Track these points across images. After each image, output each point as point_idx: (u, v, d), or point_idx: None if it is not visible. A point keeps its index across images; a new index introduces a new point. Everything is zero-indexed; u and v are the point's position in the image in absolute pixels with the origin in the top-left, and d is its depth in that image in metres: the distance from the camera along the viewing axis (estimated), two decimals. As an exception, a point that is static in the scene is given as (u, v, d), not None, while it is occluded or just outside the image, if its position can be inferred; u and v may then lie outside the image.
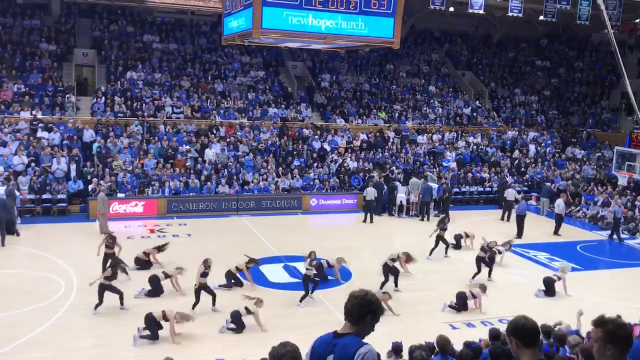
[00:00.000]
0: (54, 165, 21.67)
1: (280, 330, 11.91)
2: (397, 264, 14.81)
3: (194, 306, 12.42)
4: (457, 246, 18.45)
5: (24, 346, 10.70)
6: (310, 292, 13.49)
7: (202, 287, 12.58)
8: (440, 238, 17.41)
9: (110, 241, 14.37)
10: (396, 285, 14.54)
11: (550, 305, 13.88)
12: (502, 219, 23.02)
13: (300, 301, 13.46)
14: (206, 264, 12.69)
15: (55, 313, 12.16)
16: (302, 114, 28.95)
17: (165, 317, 11.13)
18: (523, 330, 3.33)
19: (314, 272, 13.63)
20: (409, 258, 15.50)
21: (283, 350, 3.42)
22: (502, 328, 9.29)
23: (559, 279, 14.58)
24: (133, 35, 30.24)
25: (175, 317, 11.11)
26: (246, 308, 11.71)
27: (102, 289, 12.14)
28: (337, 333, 3.60)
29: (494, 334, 7.52)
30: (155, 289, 13.42)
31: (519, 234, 20.27)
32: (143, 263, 15.16)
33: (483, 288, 13.38)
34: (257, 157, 24.89)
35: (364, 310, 3.58)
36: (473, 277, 15.25)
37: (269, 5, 12.21)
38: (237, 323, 11.68)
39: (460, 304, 13.26)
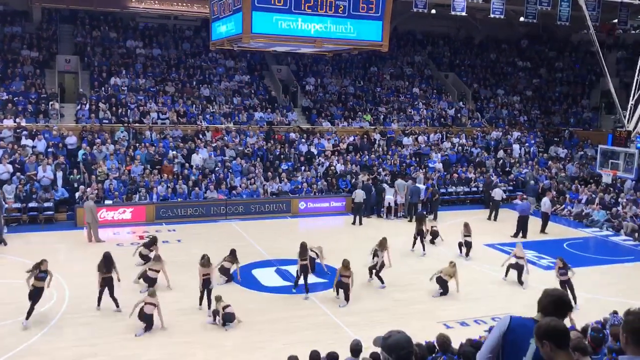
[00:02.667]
0: (40, 173, 21.45)
1: (275, 333, 11.95)
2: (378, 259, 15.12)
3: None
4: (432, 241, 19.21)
5: (18, 357, 10.59)
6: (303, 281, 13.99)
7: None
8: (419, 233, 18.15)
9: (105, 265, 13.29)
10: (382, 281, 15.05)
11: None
12: (489, 218, 23.28)
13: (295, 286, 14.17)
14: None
15: (48, 323, 12.04)
16: (288, 118, 28.99)
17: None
18: (556, 332, 3.32)
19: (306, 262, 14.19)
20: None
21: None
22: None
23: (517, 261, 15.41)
24: (116, 41, 30.06)
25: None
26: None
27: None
28: (536, 320, 3.77)
29: (494, 332, 7.64)
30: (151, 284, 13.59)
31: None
32: (152, 280, 14.23)
33: (452, 266, 14.51)
34: (244, 162, 24.87)
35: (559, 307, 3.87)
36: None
37: (258, 10, 12.29)
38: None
39: (444, 288, 14.39)
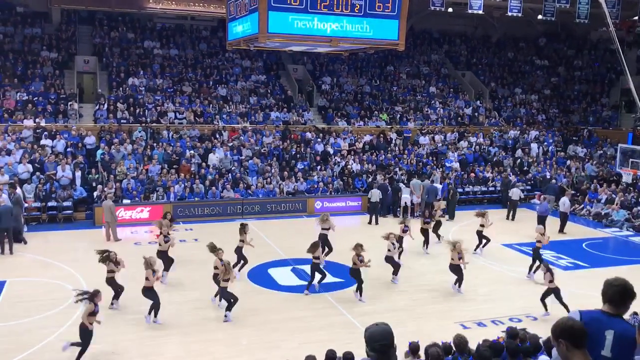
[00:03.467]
0: (59, 172, 21.70)
1: (291, 332, 11.96)
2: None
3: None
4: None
5: (38, 354, 10.73)
6: (317, 281, 14.11)
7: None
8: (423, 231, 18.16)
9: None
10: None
11: (557, 304, 13.89)
12: (508, 218, 23.09)
13: (307, 288, 14.21)
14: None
15: (67, 320, 12.17)
16: (304, 117, 29.01)
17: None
18: (572, 332, 3.32)
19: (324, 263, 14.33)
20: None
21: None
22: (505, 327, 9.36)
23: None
24: (134, 42, 30.33)
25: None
26: None
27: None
28: (605, 312, 3.84)
29: (513, 333, 7.58)
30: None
31: None
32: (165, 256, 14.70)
33: (452, 248, 14.35)
34: (260, 161, 24.94)
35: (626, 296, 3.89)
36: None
37: (274, 10, 12.29)
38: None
39: (459, 275, 14.44)
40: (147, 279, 12.01)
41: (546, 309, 12.96)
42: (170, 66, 29.58)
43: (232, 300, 12.32)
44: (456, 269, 14.46)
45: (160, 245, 14.81)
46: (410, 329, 11.74)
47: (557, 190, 25.14)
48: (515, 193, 23.26)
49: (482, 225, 17.86)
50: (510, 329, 7.84)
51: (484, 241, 18.03)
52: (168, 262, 14.73)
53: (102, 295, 10.79)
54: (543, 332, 8.55)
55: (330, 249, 16.53)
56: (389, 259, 15.02)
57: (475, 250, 18.01)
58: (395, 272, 15.19)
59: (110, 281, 12.94)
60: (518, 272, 16.46)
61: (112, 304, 12.91)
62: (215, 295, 13.20)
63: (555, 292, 12.89)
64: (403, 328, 11.91)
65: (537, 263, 15.63)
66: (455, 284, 14.64)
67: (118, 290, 13.05)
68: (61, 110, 25.32)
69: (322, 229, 16.79)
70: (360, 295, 13.92)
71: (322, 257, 14.54)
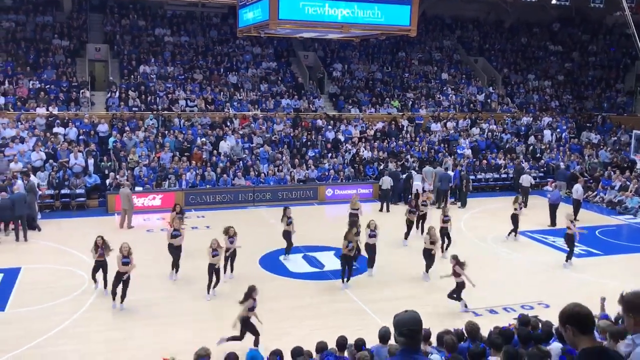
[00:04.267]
0: (72, 160, 21.83)
1: (302, 319, 12.01)
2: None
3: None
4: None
5: (53, 339, 10.86)
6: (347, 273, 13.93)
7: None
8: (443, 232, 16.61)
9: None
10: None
11: (570, 291, 13.83)
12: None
13: (345, 281, 13.90)
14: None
15: (80, 307, 12.30)
16: (315, 105, 28.93)
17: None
18: (579, 318, 3.32)
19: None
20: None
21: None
22: (517, 314, 9.33)
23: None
24: (145, 29, 30.31)
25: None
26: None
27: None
28: None
29: (524, 320, 7.55)
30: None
31: (552, 222, 20.13)
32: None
33: (454, 258, 12.67)
34: (271, 149, 24.95)
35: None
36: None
37: (285, -4, 12.19)
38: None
39: (428, 261, 14.27)
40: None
41: None
42: (181, 54, 29.56)
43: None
44: (427, 254, 14.30)
45: (169, 239, 14.57)
46: (422, 317, 11.72)
47: (568, 176, 24.92)
48: (525, 179, 23.09)
49: (515, 209, 17.81)
50: (522, 316, 7.82)
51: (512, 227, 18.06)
52: (177, 257, 14.22)
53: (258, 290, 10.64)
54: (555, 319, 8.51)
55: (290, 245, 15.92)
56: (425, 252, 14.49)
57: (508, 234, 18.06)
58: (427, 268, 14.58)
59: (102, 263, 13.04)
60: (530, 260, 16.38)
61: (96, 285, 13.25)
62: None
63: None
64: (414, 315, 11.90)
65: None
66: (426, 271, 14.46)
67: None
68: (73, 98, 25.43)
69: (352, 209, 17.44)
70: (347, 282, 13.92)
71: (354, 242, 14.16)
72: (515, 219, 17.94)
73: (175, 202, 18.39)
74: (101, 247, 12.91)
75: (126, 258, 12.19)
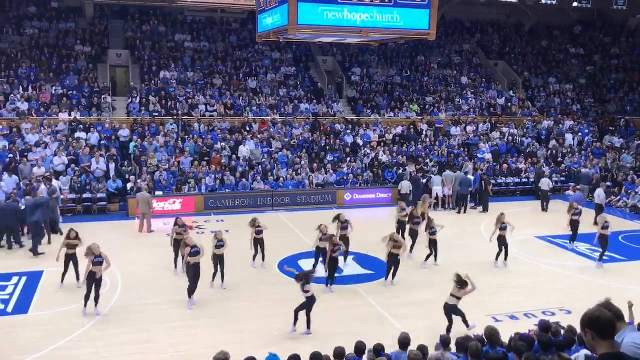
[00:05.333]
0: (93, 165, 22.11)
1: (321, 323, 11.98)
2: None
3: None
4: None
5: (75, 341, 10.98)
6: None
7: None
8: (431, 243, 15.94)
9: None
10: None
11: (592, 297, 13.62)
12: (543, 209, 22.67)
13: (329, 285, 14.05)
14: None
15: (102, 309, 12.42)
16: (334, 109, 28.95)
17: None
18: (599, 322, 3.32)
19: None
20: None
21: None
22: (538, 320, 9.20)
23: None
24: (165, 35, 30.65)
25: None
26: None
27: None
28: None
29: (545, 326, 7.46)
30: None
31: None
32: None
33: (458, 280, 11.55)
34: (290, 153, 25.02)
35: None
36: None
37: (304, 1, 12.28)
38: None
39: (390, 265, 14.00)
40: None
41: None
42: (201, 59, 29.81)
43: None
44: (393, 259, 14.00)
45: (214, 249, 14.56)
46: (441, 322, 11.64)
47: (591, 178, 24.55)
48: (544, 183, 22.84)
49: (574, 215, 17.49)
50: (543, 322, 7.72)
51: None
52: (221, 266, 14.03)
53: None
54: (577, 325, 8.39)
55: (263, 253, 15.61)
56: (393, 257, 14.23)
57: (570, 241, 17.75)
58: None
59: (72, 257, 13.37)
60: (551, 265, 16.19)
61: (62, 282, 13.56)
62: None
63: None
64: (434, 321, 11.85)
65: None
66: (390, 276, 14.26)
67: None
68: (95, 104, 25.77)
69: (400, 216, 17.34)
70: (330, 286, 13.90)
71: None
72: (574, 225, 17.43)
73: (176, 218, 16.63)
74: (74, 239, 13.49)
75: (98, 258, 12.04)
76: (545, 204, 22.76)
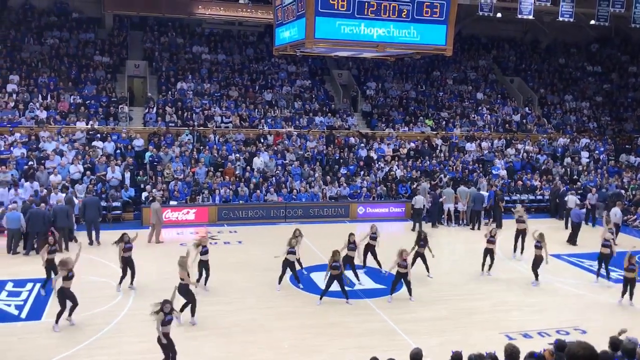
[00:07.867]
0: (109, 173, 22.29)
1: (332, 337, 11.93)
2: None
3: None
4: None
5: (88, 349, 11.02)
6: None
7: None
8: (419, 255, 15.85)
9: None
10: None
11: (610, 317, 13.46)
12: (566, 227, 22.29)
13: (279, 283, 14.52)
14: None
15: (115, 317, 12.48)
16: (348, 122, 29.01)
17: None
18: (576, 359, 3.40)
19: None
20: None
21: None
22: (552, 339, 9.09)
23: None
24: (183, 47, 30.96)
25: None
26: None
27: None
28: None
29: (561, 346, 7.35)
30: None
31: (572, 241, 19.86)
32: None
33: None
34: (304, 166, 25.07)
35: None
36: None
37: (321, 15, 12.31)
38: None
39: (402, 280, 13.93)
40: (182, 279, 12.20)
41: None
42: (217, 71, 30.07)
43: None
44: (402, 275, 13.88)
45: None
46: (453, 338, 11.57)
47: (608, 197, 24.29)
48: (571, 200, 22.55)
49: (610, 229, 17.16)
50: (559, 342, 7.61)
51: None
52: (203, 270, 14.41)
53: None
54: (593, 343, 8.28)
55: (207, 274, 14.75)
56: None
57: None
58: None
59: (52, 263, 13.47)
60: (566, 284, 16.01)
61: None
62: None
63: None
64: (446, 337, 11.76)
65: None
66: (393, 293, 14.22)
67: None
68: (112, 113, 26.03)
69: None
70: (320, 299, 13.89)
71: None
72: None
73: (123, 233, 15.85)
74: (53, 245, 13.80)
75: (71, 272, 12.01)
76: (567, 221, 22.38)
